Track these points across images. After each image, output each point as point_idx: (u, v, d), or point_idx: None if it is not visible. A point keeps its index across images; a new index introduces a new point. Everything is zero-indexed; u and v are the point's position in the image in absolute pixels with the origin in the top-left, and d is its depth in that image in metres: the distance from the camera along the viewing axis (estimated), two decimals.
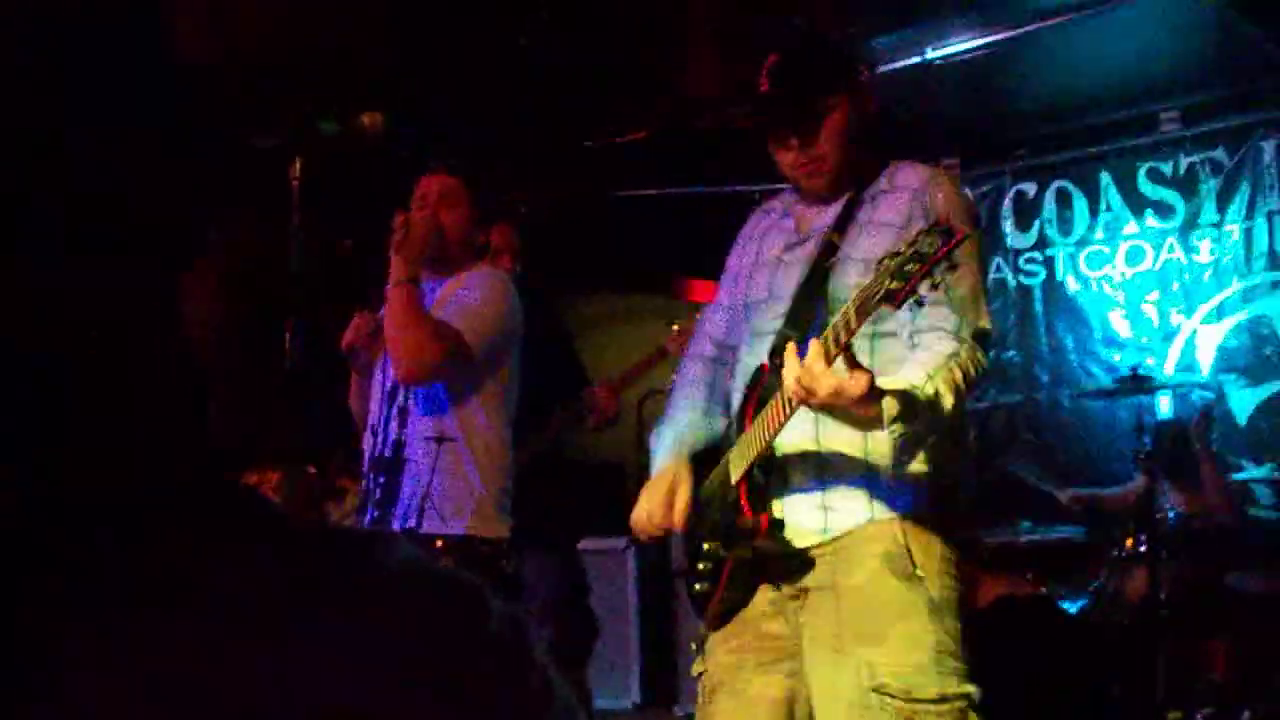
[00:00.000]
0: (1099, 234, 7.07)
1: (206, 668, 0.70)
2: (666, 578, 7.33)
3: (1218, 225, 6.69)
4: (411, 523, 3.54)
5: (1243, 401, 6.56)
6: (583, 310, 7.70)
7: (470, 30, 5.62)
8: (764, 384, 2.62)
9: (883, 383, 2.31)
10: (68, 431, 0.75)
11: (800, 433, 2.56)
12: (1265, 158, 6.55)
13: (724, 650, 2.72)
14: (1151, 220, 6.90)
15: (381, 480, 3.56)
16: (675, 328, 5.06)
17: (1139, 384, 5.35)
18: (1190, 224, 6.77)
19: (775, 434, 2.50)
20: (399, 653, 0.74)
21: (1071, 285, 7.13)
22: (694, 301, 7.72)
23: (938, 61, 6.07)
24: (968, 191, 2.89)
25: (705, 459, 2.82)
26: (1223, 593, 5.36)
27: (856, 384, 2.24)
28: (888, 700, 2.45)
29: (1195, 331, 6.73)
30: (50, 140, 0.75)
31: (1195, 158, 6.74)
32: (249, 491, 0.80)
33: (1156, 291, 6.87)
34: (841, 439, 2.54)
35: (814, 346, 2.28)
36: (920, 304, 2.19)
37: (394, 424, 3.58)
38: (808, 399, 2.29)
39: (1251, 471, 6.10)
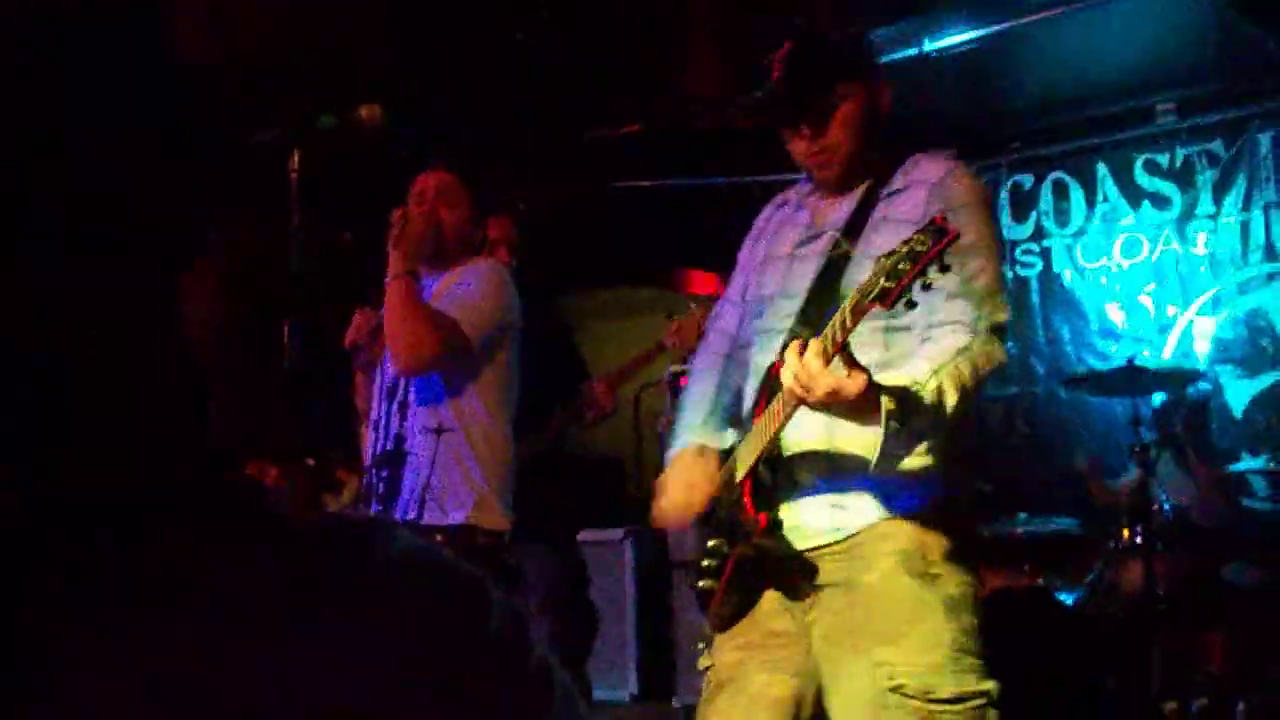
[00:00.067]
0: (1095, 226, 7.07)
1: (206, 668, 0.71)
2: (664, 570, 7.34)
3: (1214, 217, 6.69)
4: (412, 515, 3.57)
5: (1239, 393, 6.57)
6: (581, 304, 7.70)
7: (470, 30, 5.62)
8: (775, 383, 2.56)
9: (882, 379, 2.30)
10: (68, 431, 0.75)
11: (811, 431, 2.54)
12: (1262, 150, 6.56)
13: (730, 647, 2.69)
14: (1148, 212, 6.91)
15: (384, 474, 3.60)
16: (674, 322, 5.06)
17: (1134, 374, 5.37)
18: (1187, 216, 6.77)
19: (778, 432, 2.49)
20: (399, 651, 0.74)
21: (1068, 277, 7.13)
22: (692, 294, 7.72)
23: (934, 54, 6.07)
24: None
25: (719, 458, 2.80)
26: (1218, 585, 5.36)
27: (853, 383, 2.23)
28: (906, 701, 2.43)
29: (1191, 323, 6.73)
30: (50, 140, 0.75)
31: (1192, 150, 6.74)
32: (249, 491, 0.80)
33: (1153, 283, 6.88)
34: (853, 437, 2.49)
35: (812, 345, 2.27)
36: (913, 305, 2.18)
37: (394, 418, 3.62)
38: (805, 398, 2.28)
39: (1247, 463, 6.11)
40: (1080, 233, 7.11)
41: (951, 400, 2.36)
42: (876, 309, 2.21)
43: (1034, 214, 7.21)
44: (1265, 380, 6.53)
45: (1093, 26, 5.98)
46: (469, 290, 3.67)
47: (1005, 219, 7.25)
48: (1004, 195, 7.24)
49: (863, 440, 2.48)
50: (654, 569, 7.43)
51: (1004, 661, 2.55)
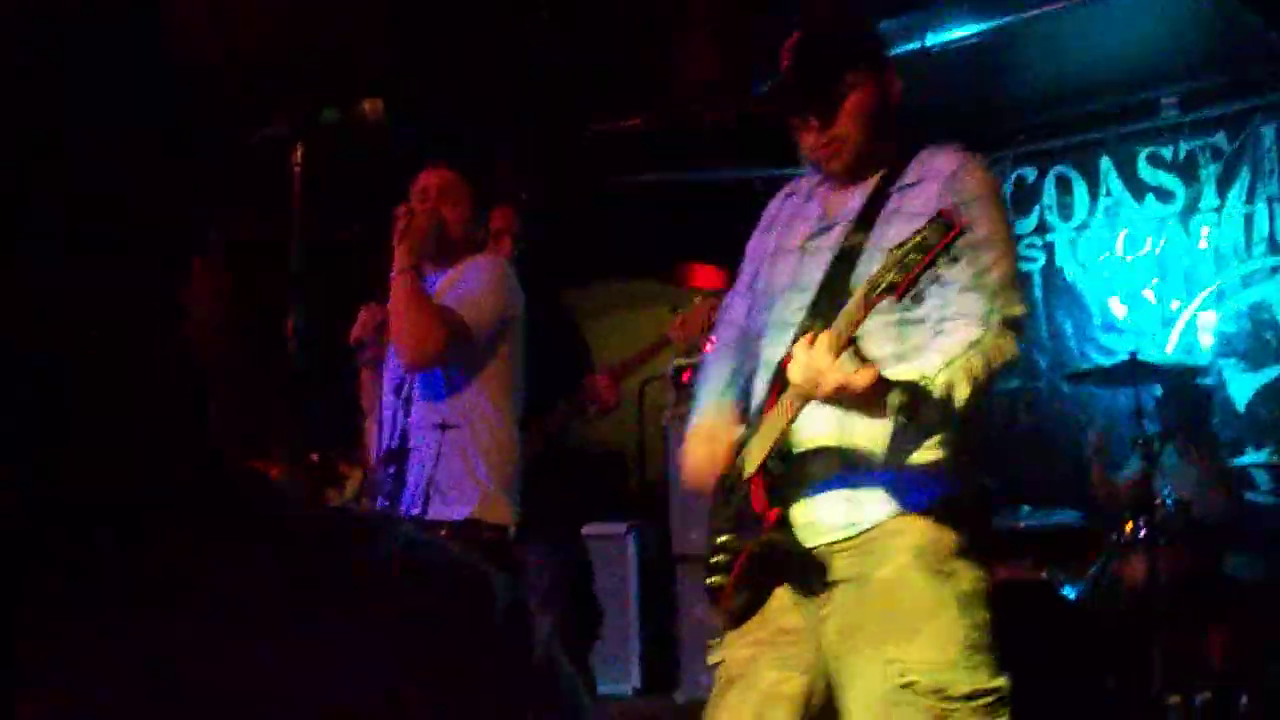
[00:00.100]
0: (1099, 219, 7.07)
1: (207, 667, 0.71)
2: (667, 564, 7.35)
3: (1218, 210, 6.69)
4: (417, 510, 3.60)
5: (1242, 387, 6.57)
6: (583, 298, 7.70)
7: (470, 30, 5.63)
8: (785, 377, 2.54)
9: (892, 373, 2.29)
10: (68, 431, 0.75)
11: (824, 426, 2.53)
12: (1265, 143, 6.55)
13: (741, 643, 2.68)
14: (1151, 206, 6.90)
15: (390, 470, 3.63)
16: (678, 316, 5.06)
17: (1137, 368, 5.37)
18: (1190, 209, 6.77)
19: (788, 426, 2.48)
20: (401, 648, 0.74)
21: (1071, 271, 7.13)
22: (695, 288, 7.72)
23: (937, 48, 6.06)
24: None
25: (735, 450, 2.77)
26: (1221, 579, 5.37)
27: (862, 377, 2.23)
28: (919, 698, 2.42)
29: (1195, 317, 6.73)
30: (50, 140, 0.75)
31: (1195, 143, 6.74)
32: (250, 488, 0.81)
33: (1156, 277, 6.87)
34: (866, 432, 2.49)
35: (822, 339, 2.26)
36: (919, 298, 2.17)
37: (399, 414, 3.66)
38: (814, 392, 2.28)
39: (1250, 456, 6.11)
40: (1083, 226, 7.11)
41: (962, 394, 2.34)
42: (886, 302, 2.19)
43: (1037, 208, 7.21)
44: (1269, 374, 6.53)
45: (1095, 20, 5.97)
46: (472, 285, 3.70)
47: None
48: (1007, 189, 7.23)
49: (874, 435, 2.49)
50: (657, 563, 7.44)
51: (1006, 655, 2.55)
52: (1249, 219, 6.60)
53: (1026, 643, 4.64)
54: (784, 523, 2.56)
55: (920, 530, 2.51)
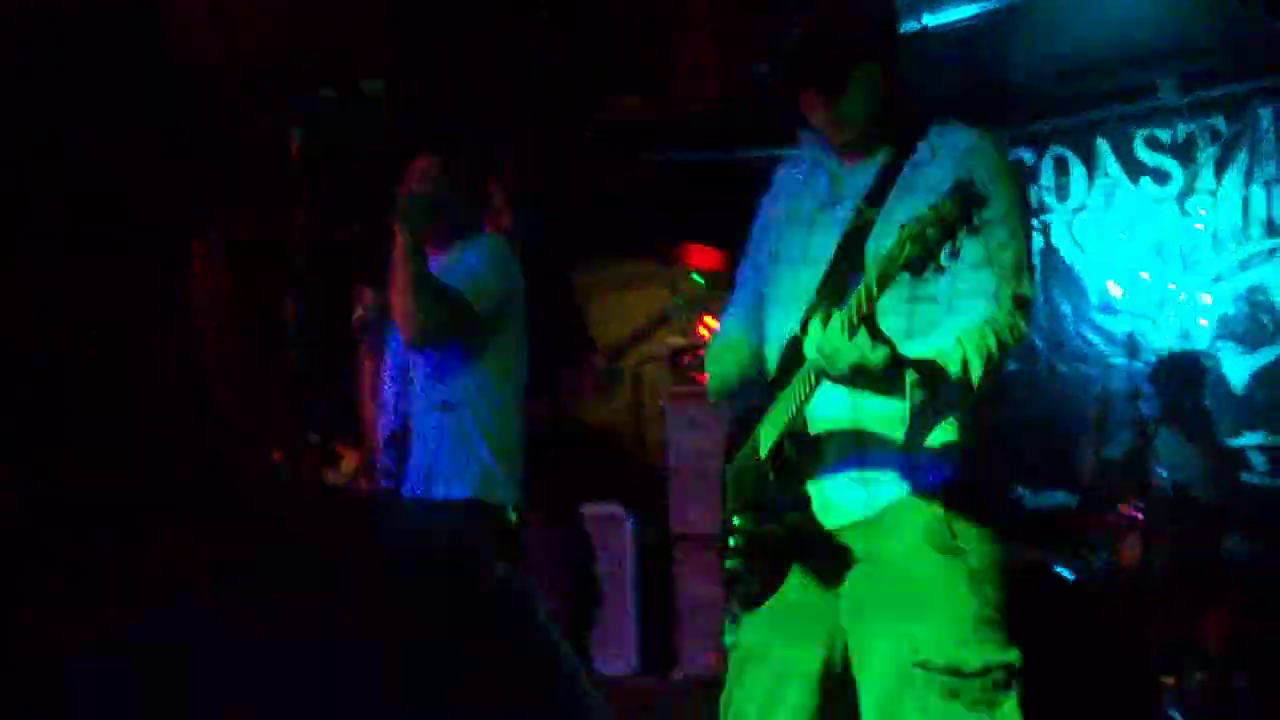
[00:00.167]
0: (1096, 201, 7.06)
1: (206, 666, 0.71)
2: (665, 543, 7.36)
3: (1215, 193, 6.67)
4: (420, 490, 3.64)
5: (1239, 369, 6.58)
6: (582, 277, 7.70)
7: (470, 30, 5.62)
8: (796, 354, 2.51)
9: (907, 351, 2.27)
10: (68, 431, 0.76)
11: (836, 406, 2.51)
12: (1263, 126, 6.53)
13: (755, 623, 2.68)
14: (1149, 188, 6.90)
15: (393, 452, 3.68)
16: (679, 294, 5.08)
17: (1134, 349, 5.38)
18: (1188, 191, 6.76)
19: (803, 406, 2.45)
20: (399, 640, 0.75)
21: (1068, 252, 7.13)
22: (692, 268, 7.73)
23: (935, 28, 6.05)
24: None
25: (743, 425, 2.75)
26: (1217, 561, 5.38)
27: (876, 356, 2.20)
28: (932, 675, 2.43)
29: (1192, 299, 6.74)
30: (50, 140, 0.76)
31: (1193, 125, 6.72)
32: (249, 489, 0.81)
33: (1153, 259, 6.87)
34: (879, 412, 2.47)
35: (836, 317, 2.23)
36: (942, 270, 2.12)
37: (402, 397, 3.71)
38: (829, 370, 2.26)
39: (1246, 438, 6.12)
40: (1081, 208, 7.10)
41: (978, 371, 2.33)
42: (902, 278, 2.15)
43: (1035, 189, 7.19)
44: (1265, 356, 6.53)
45: (1094, 2, 5.96)
46: (472, 264, 3.74)
47: None
48: None
49: (887, 415, 2.47)
50: (654, 543, 7.46)
51: None
52: (1246, 201, 6.59)
53: (1021, 624, 4.65)
54: (803, 506, 2.55)
55: (932, 510, 2.50)
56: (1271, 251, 6.53)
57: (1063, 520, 5.87)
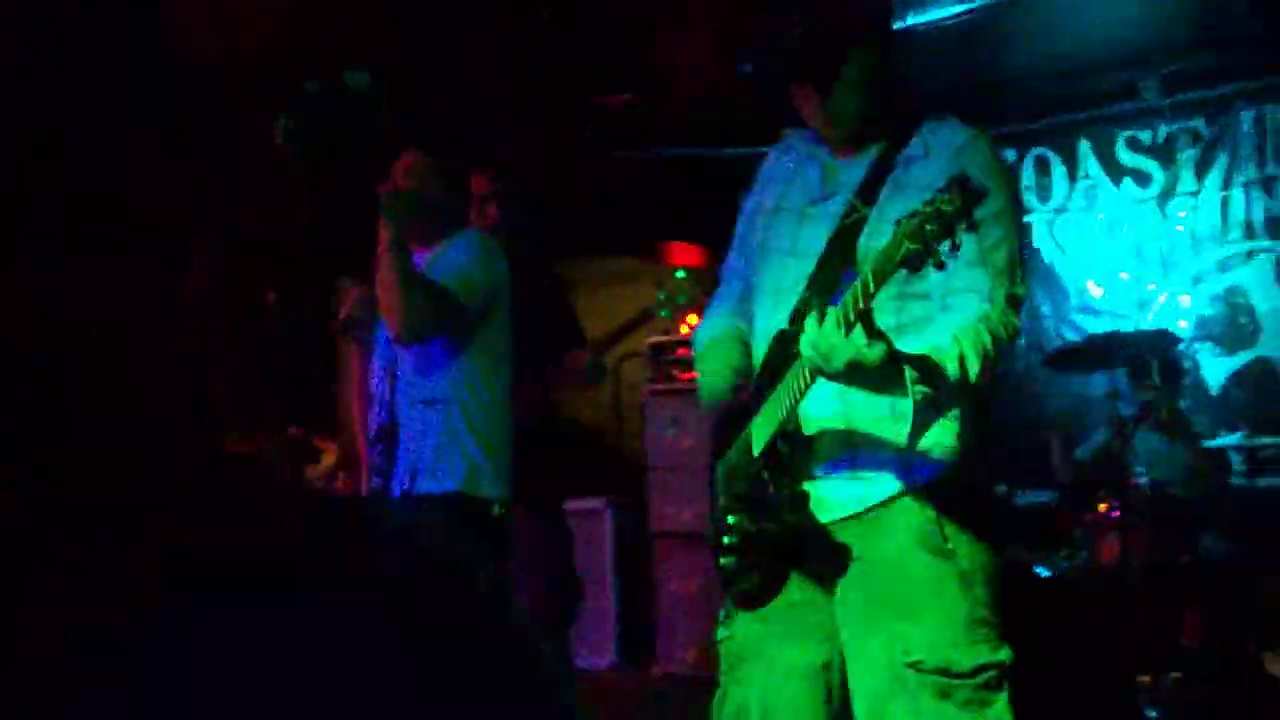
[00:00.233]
0: (1077, 202, 7.09)
1: (205, 665, 0.71)
2: (644, 539, 7.37)
3: (1195, 195, 6.71)
4: (407, 485, 3.67)
5: (1216, 370, 6.62)
6: (566, 273, 7.70)
7: (470, 30, 5.61)
8: (785, 349, 2.52)
9: (904, 348, 2.26)
10: (68, 431, 0.76)
11: (828, 404, 2.51)
12: (1244, 128, 6.57)
13: (750, 620, 2.67)
14: (1130, 189, 6.93)
15: (380, 448, 3.68)
16: (663, 291, 5.08)
17: (1113, 342, 5.40)
18: (1168, 193, 6.80)
19: (796, 403, 2.45)
20: (386, 633, 0.75)
21: (1048, 252, 7.15)
22: (675, 265, 7.72)
23: (919, 28, 6.06)
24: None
25: (729, 422, 2.75)
26: (1194, 560, 5.41)
27: (873, 353, 2.19)
28: (924, 676, 2.44)
29: (1171, 300, 6.77)
30: (50, 140, 0.76)
31: (1174, 127, 6.76)
32: (248, 489, 0.81)
33: (1133, 260, 6.90)
34: (870, 410, 2.48)
35: (831, 315, 2.21)
36: (941, 266, 2.11)
37: (389, 391, 3.71)
38: (824, 368, 2.25)
39: (1224, 439, 6.15)
40: (1061, 209, 7.13)
41: (975, 368, 2.33)
42: (898, 274, 2.15)
43: None
44: (1243, 357, 6.57)
45: (1077, 2, 5.98)
46: (457, 259, 3.75)
47: None
48: None
49: (878, 412, 2.47)
50: (634, 538, 7.47)
51: None
52: (1226, 203, 6.63)
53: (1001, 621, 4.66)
54: (799, 504, 2.55)
55: (923, 509, 2.51)
56: (1250, 254, 6.57)
57: (1041, 518, 5.88)
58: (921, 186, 2.44)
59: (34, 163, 0.74)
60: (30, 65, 0.74)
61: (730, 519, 2.65)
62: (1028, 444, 6.26)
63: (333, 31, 4.80)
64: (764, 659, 2.64)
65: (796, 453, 2.55)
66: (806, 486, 2.56)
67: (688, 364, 6.92)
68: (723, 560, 2.68)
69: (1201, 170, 6.68)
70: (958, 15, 6.05)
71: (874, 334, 2.20)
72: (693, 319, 7.23)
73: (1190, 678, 5.14)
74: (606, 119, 6.83)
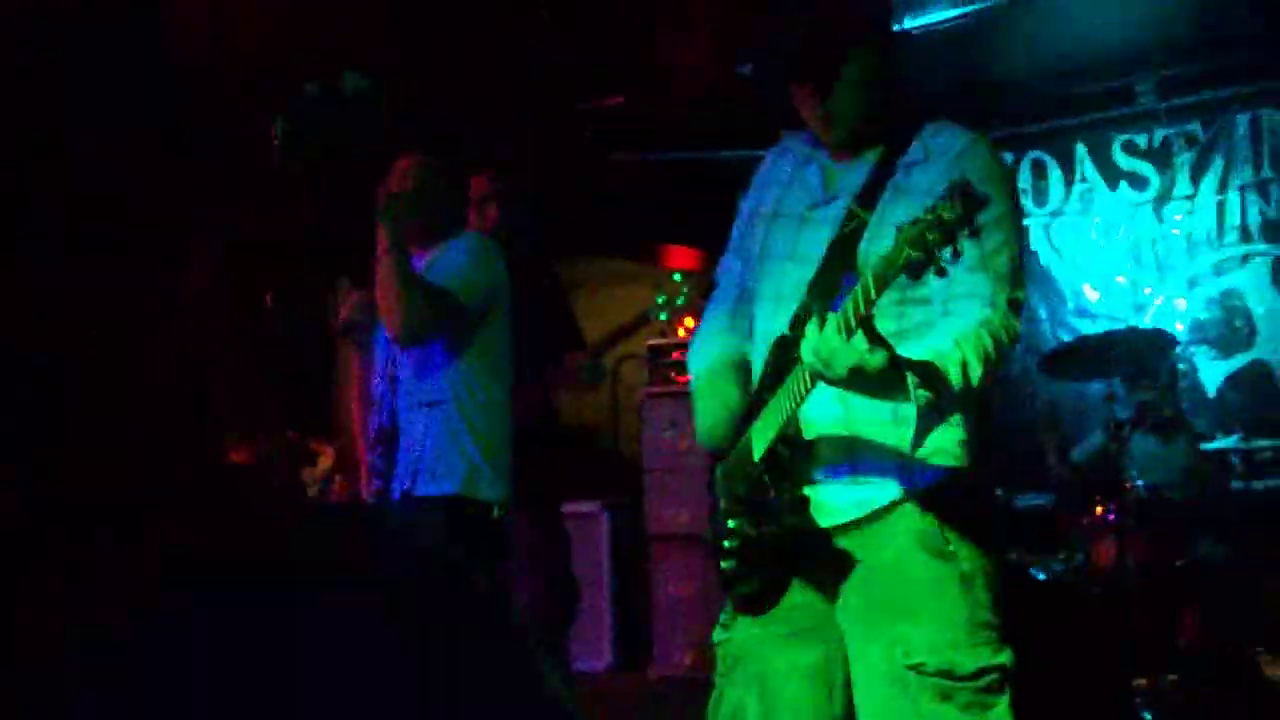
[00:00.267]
0: (1073, 205, 7.10)
1: (205, 665, 0.71)
2: (641, 542, 7.37)
3: (1191, 198, 6.72)
4: (408, 486, 3.68)
5: (1213, 373, 6.63)
6: (563, 274, 7.70)
7: (470, 30, 5.62)
8: (786, 354, 2.51)
9: (905, 353, 2.25)
10: (68, 431, 0.76)
11: (829, 408, 2.50)
12: (1239, 132, 6.58)
13: (748, 623, 2.67)
14: (1126, 192, 6.93)
15: (382, 450, 3.69)
16: (661, 294, 5.09)
17: (1109, 343, 5.40)
18: (1164, 197, 6.80)
19: (797, 409, 2.43)
20: (389, 642, 0.75)
21: (1045, 256, 7.16)
22: (673, 269, 7.73)
23: (916, 31, 6.06)
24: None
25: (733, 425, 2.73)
26: (1190, 563, 5.41)
27: (875, 359, 2.18)
28: (926, 679, 2.43)
29: (1167, 303, 6.78)
30: (50, 140, 0.76)
31: (1170, 131, 6.76)
32: (248, 489, 0.81)
33: (1129, 264, 6.91)
34: (871, 415, 2.47)
35: (832, 320, 2.20)
36: (942, 273, 2.10)
37: (389, 394, 3.72)
38: (825, 374, 2.23)
39: (1220, 442, 6.15)
40: (1058, 212, 7.14)
41: (977, 372, 2.32)
42: (899, 279, 2.13)
43: None
44: (1239, 360, 6.58)
45: (1073, 6, 5.98)
46: (456, 260, 3.76)
47: None
48: None
49: (879, 417, 2.47)
50: (630, 541, 7.47)
51: None
52: (1221, 207, 6.63)
53: None
54: (800, 508, 2.54)
55: (923, 512, 2.50)
56: (1245, 257, 6.58)
57: (1037, 522, 5.89)
58: (922, 191, 2.44)
59: (34, 163, 0.74)
60: (30, 65, 0.74)
61: (730, 523, 2.64)
62: (1024, 446, 6.26)
63: (333, 31, 4.80)
64: (763, 660, 2.63)
65: (797, 457, 2.53)
66: (807, 491, 2.55)
67: (685, 366, 6.93)
68: (723, 564, 2.67)
69: (1197, 174, 6.69)
70: (954, 18, 6.05)
71: (875, 340, 2.19)
72: (690, 322, 7.24)
73: (1187, 680, 5.14)
74: (606, 119, 6.83)
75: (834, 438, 2.54)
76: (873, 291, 2.15)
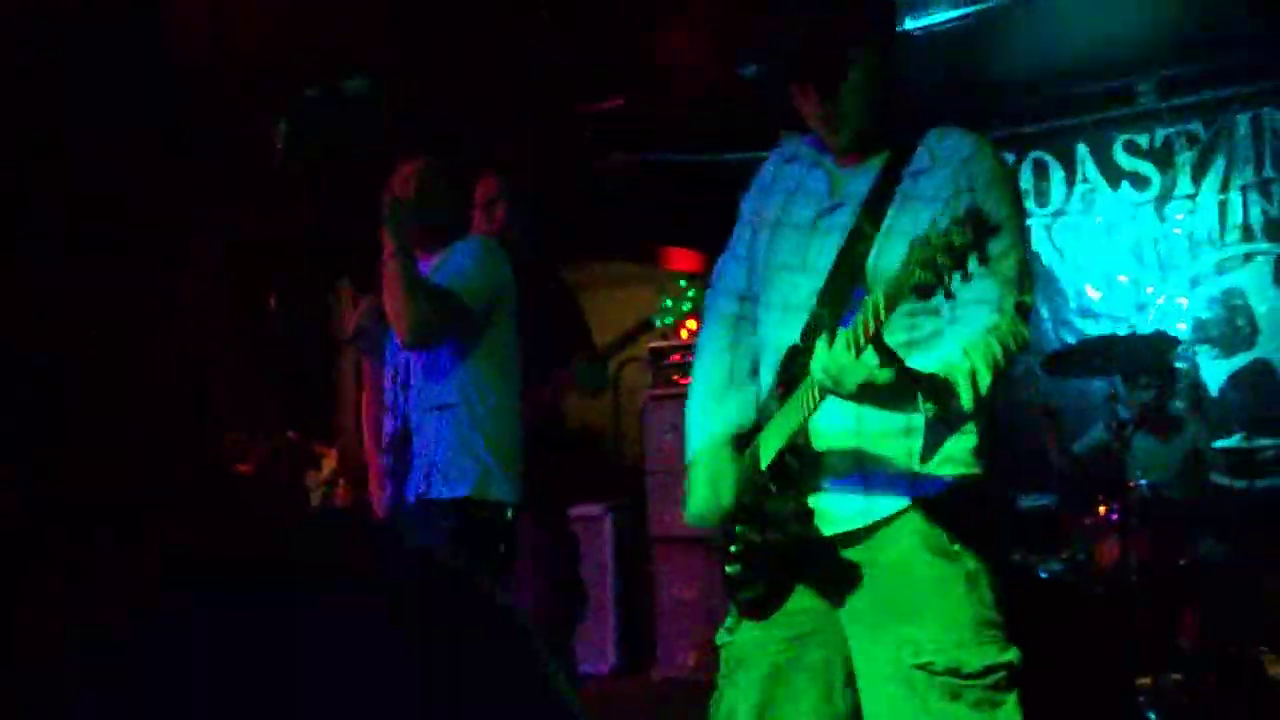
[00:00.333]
0: (1075, 205, 7.10)
1: (205, 665, 0.71)
2: (644, 544, 7.37)
3: (1193, 198, 6.72)
4: (421, 489, 3.70)
5: (1215, 372, 6.62)
6: (567, 277, 7.70)
7: (470, 30, 5.62)
8: (797, 365, 2.52)
9: (914, 365, 2.26)
10: (68, 431, 0.76)
11: (840, 420, 2.50)
12: (1240, 131, 6.59)
13: (750, 625, 2.67)
14: (1127, 192, 6.93)
15: (393, 455, 3.72)
16: (665, 297, 5.09)
17: (1112, 345, 5.41)
18: (1166, 196, 6.81)
19: (805, 420, 2.44)
20: (392, 643, 0.75)
21: (1047, 256, 7.16)
22: (675, 271, 7.73)
23: (917, 32, 6.06)
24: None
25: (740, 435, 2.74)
26: (1192, 562, 5.41)
27: (884, 375, 2.18)
28: (934, 678, 2.44)
29: (1170, 303, 6.78)
30: (50, 140, 0.75)
31: (1171, 130, 6.77)
32: (247, 490, 0.81)
33: (1131, 263, 6.91)
34: (883, 427, 2.48)
35: (841, 337, 2.21)
36: (951, 295, 2.10)
37: (400, 398, 3.75)
38: (836, 390, 2.24)
39: (1222, 441, 6.15)
40: (1060, 212, 7.14)
41: (986, 381, 2.32)
42: (910, 300, 2.13)
43: None
44: (1241, 359, 6.58)
45: (1074, 6, 5.98)
46: (460, 263, 3.78)
47: None
48: None
49: (891, 428, 2.47)
50: (633, 543, 7.47)
51: None
52: (1223, 206, 6.64)
53: None
54: (805, 518, 2.54)
55: (930, 517, 2.50)
56: (1247, 256, 6.58)
57: (1040, 521, 5.89)
58: (928, 199, 2.46)
59: (34, 163, 0.74)
60: (30, 65, 0.74)
61: (736, 529, 2.65)
62: (1027, 445, 6.26)
63: (333, 32, 4.81)
64: (763, 661, 2.64)
65: (804, 467, 2.54)
66: (814, 499, 2.55)
67: (687, 369, 6.93)
68: (728, 569, 2.68)
69: (1199, 173, 6.69)
70: (954, 19, 6.05)
71: (885, 356, 2.19)
72: (692, 324, 7.23)
73: (1189, 679, 5.14)
74: (606, 120, 6.83)
75: (846, 450, 2.54)
76: (883, 312, 2.15)
